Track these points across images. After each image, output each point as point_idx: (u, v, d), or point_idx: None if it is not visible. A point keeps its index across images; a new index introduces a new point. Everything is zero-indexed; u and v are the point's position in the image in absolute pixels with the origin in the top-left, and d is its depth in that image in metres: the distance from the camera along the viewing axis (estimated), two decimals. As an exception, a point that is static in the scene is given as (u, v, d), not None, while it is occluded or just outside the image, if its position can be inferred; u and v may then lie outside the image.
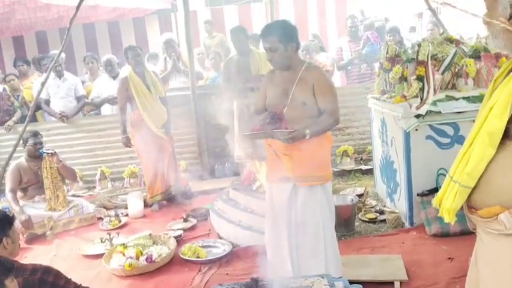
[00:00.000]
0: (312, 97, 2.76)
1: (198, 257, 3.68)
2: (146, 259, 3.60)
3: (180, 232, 4.23)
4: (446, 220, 1.92)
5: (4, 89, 6.42)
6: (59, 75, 6.15)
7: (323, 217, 2.84)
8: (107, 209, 5.15)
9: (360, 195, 4.55)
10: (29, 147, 4.64)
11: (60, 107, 6.15)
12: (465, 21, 6.33)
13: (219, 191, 4.92)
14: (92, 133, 6.21)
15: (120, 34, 9.26)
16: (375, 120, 4.69)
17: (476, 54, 4.01)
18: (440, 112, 3.70)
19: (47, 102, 6.20)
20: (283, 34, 2.74)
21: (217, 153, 6.00)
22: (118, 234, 4.23)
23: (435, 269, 3.22)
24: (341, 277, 2.86)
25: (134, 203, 4.97)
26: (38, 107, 6.24)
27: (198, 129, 5.99)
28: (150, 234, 4.01)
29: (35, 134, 4.69)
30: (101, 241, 4.14)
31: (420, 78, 3.70)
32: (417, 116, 3.68)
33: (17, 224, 3.38)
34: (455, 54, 3.90)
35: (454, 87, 3.95)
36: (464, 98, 3.78)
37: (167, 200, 5.21)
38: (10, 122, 6.11)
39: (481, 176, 1.76)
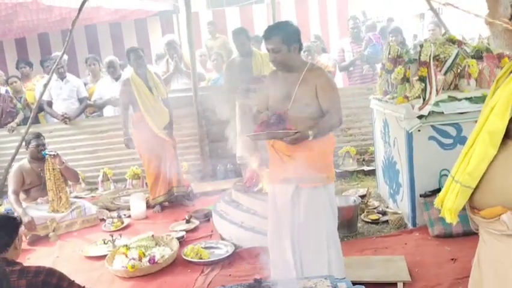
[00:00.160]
0: (315, 98, 2.76)
1: (201, 258, 3.68)
2: (149, 260, 3.61)
3: (183, 233, 4.24)
4: (448, 220, 1.92)
5: (7, 91, 6.45)
6: (62, 77, 6.17)
7: (326, 218, 2.83)
8: (109, 210, 5.16)
9: (362, 196, 4.55)
10: (32, 149, 4.65)
11: (63, 108, 6.17)
12: (466, 21, 6.33)
13: (221, 192, 4.93)
14: (94, 135, 6.23)
15: (122, 36, 9.27)
16: (377, 121, 4.69)
17: (478, 55, 4.00)
18: (442, 113, 3.70)
19: (50, 104, 6.23)
20: (286, 35, 2.74)
21: (219, 154, 6.01)
22: (121, 236, 4.23)
23: (438, 269, 3.22)
24: (344, 278, 2.86)
25: (137, 205, 4.97)
26: (40, 109, 6.27)
27: (200, 130, 5.99)
28: (153, 236, 4.02)
29: (38, 136, 4.70)
30: (104, 242, 4.15)
31: (422, 79, 3.69)
32: (420, 117, 3.67)
33: (20, 225, 3.39)
34: (457, 54, 3.90)
35: (456, 87, 3.94)
36: (466, 98, 3.78)
37: (170, 202, 5.21)
38: (13, 124, 6.13)
39: (483, 176, 1.76)
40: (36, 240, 4.48)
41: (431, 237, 3.69)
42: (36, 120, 6.30)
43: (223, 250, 3.84)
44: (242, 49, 4.91)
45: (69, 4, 6.72)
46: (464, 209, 1.98)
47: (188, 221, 4.54)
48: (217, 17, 8.99)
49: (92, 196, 5.85)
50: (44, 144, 4.70)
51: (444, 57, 3.88)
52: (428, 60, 3.70)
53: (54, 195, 4.66)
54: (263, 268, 3.33)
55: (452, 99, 3.77)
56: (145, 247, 3.78)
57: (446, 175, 3.57)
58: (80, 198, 5.52)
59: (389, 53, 4.17)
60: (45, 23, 7.91)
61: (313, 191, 2.79)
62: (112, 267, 3.64)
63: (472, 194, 1.82)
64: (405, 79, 3.90)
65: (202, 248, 3.82)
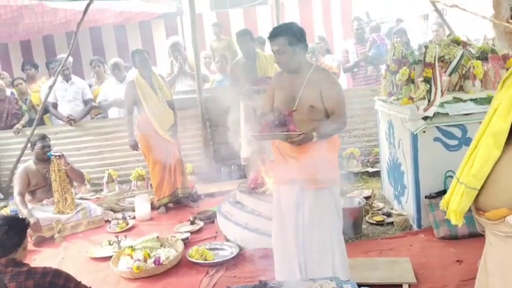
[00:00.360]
0: (320, 100, 2.76)
1: (205, 260, 3.69)
2: (154, 261, 3.62)
3: (187, 235, 4.25)
4: (453, 222, 1.92)
5: (12, 93, 6.48)
6: (67, 78, 6.20)
7: (330, 220, 2.83)
8: (114, 211, 5.18)
9: (367, 198, 4.54)
10: (37, 150, 4.67)
11: (68, 110, 6.20)
12: (471, 22, 6.32)
13: (225, 193, 4.93)
14: (99, 136, 6.25)
15: (126, 38, 9.29)
16: (382, 122, 4.68)
17: (483, 56, 3.99)
18: (447, 114, 3.69)
19: (55, 105, 6.26)
20: (291, 36, 2.74)
21: (223, 155, 6.02)
22: (126, 237, 4.25)
23: (444, 271, 3.21)
24: (348, 280, 2.86)
25: (142, 206, 4.99)
26: (45, 111, 6.30)
27: (204, 132, 6.01)
28: (157, 237, 4.03)
29: (43, 138, 4.72)
30: (109, 244, 4.16)
31: (427, 80, 3.69)
32: (425, 118, 3.67)
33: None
34: (462, 56, 3.89)
35: (461, 89, 3.94)
36: (471, 99, 3.77)
37: (174, 203, 5.22)
38: (18, 126, 6.16)
39: (488, 178, 1.76)
40: (41, 242, 4.50)
41: (437, 239, 3.68)
42: (41, 122, 6.34)
43: (228, 251, 3.84)
44: (246, 51, 4.92)
45: (74, 6, 6.76)
46: (469, 210, 1.98)
47: (192, 223, 4.55)
48: (221, 19, 9.00)
49: (97, 197, 5.87)
50: (49, 146, 4.72)
51: (449, 59, 3.87)
52: (433, 62, 3.70)
53: (60, 196, 4.68)
54: (268, 269, 3.33)
55: (457, 100, 3.76)
56: (150, 248, 3.79)
57: (451, 176, 3.56)
58: (85, 199, 5.54)
59: (394, 54, 4.17)
60: (50, 25, 7.96)
61: (318, 192, 2.79)
62: (117, 269, 3.65)
63: (477, 195, 1.81)
64: (410, 80, 3.89)
65: (206, 249, 3.83)
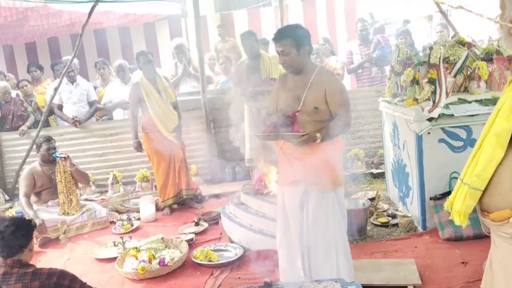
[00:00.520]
0: (324, 101, 2.76)
1: (210, 261, 3.69)
2: (159, 263, 3.62)
3: (192, 236, 4.25)
4: (457, 222, 1.92)
5: (17, 95, 6.52)
6: (72, 80, 6.23)
7: (335, 222, 2.83)
8: (119, 212, 5.19)
9: (371, 199, 4.54)
10: (43, 152, 4.69)
11: (73, 112, 6.23)
12: (475, 23, 6.31)
13: (229, 194, 4.93)
14: (104, 138, 6.27)
15: (131, 40, 9.33)
16: (386, 123, 4.68)
17: (488, 57, 3.99)
18: (452, 115, 3.68)
19: (60, 107, 6.29)
20: (295, 38, 2.75)
21: (227, 157, 6.02)
22: (131, 238, 4.26)
23: (449, 273, 3.20)
24: (353, 282, 2.85)
25: (146, 207, 5.00)
26: (51, 112, 6.33)
27: (209, 133, 6.02)
28: (162, 238, 4.04)
29: (49, 139, 4.74)
30: (114, 245, 4.17)
31: (432, 81, 3.68)
32: (430, 119, 3.66)
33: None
34: (467, 57, 3.88)
35: (466, 90, 3.93)
36: (476, 100, 3.76)
37: (179, 204, 5.23)
38: (24, 127, 6.19)
39: (492, 179, 1.75)
40: (47, 243, 4.52)
41: (442, 240, 3.67)
42: (46, 124, 6.36)
43: (232, 253, 3.84)
44: (251, 52, 4.93)
45: (78, 9, 6.79)
46: (475, 211, 1.97)
47: (197, 224, 4.56)
48: (225, 20, 9.02)
49: (102, 199, 5.89)
50: (54, 148, 4.74)
51: (454, 60, 3.87)
52: (437, 63, 3.69)
53: (65, 197, 4.70)
54: (272, 271, 3.33)
55: (462, 101, 3.75)
56: (154, 249, 3.80)
57: (457, 178, 3.52)
58: (90, 200, 5.56)
59: (398, 56, 4.17)
60: (55, 27, 8.01)
61: (322, 194, 2.79)
62: (122, 270, 3.66)
63: (482, 196, 1.81)
64: (415, 81, 3.89)
65: (211, 250, 3.83)
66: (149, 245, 3.87)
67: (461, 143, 3.78)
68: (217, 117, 5.91)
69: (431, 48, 3.82)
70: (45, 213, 4.62)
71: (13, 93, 6.40)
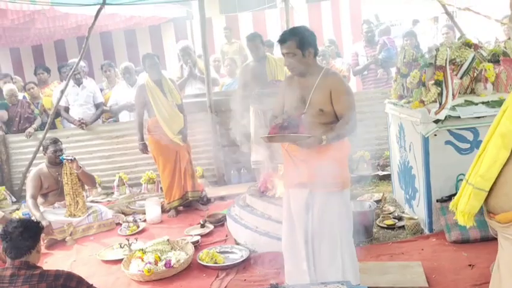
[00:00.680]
0: (330, 103, 2.76)
1: (216, 263, 3.69)
2: (165, 264, 3.63)
3: (197, 238, 4.26)
4: (460, 222, 1.92)
5: (24, 97, 6.56)
6: (78, 83, 6.27)
7: (341, 224, 2.82)
8: (125, 214, 5.20)
9: (377, 201, 4.52)
10: (50, 154, 4.71)
11: (80, 114, 6.26)
12: (482, 25, 6.28)
13: (235, 196, 4.93)
14: (110, 140, 6.30)
15: (136, 42, 9.39)
16: (392, 125, 4.66)
17: (495, 59, 3.96)
18: (459, 117, 3.67)
19: (67, 109, 6.32)
20: (301, 40, 2.74)
21: (233, 159, 6.03)
22: (137, 240, 4.27)
23: (456, 276, 3.18)
24: (359, 284, 2.85)
25: (152, 209, 5.01)
26: (57, 114, 6.36)
27: (214, 135, 6.02)
28: (168, 240, 4.04)
29: (55, 141, 4.76)
30: (120, 246, 4.18)
31: (438, 83, 3.66)
32: (436, 121, 3.64)
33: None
34: (473, 58, 3.86)
35: (472, 91, 3.91)
36: (483, 102, 3.74)
37: (184, 206, 5.24)
38: (30, 129, 6.23)
39: (497, 180, 1.75)
40: (53, 244, 4.54)
41: (448, 243, 3.65)
42: (53, 126, 6.40)
43: (238, 255, 3.84)
44: (256, 54, 4.94)
45: (85, 11, 6.84)
46: (481, 213, 1.97)
47: (203, 226, 4.56)
48: (230, 23, 9.05)
49: (108, 200, 5.90)
50: (61, 150, 4.77)
51: (461, 61, 3.85)
52: (444, 64, 3.68)
53: (72, 199, 4.72)
54: (278, 273, 3.34)
55: (469, 103, 3.73)
56: (160, 251, 3.81)
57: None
58: (97, 202, 5.58)
59: (404, 57, 4.16)
60: (61, 30, 8.07)
61: (328, 196, 2.78)
62: (129, 271, 3.67)
63: (487, 198, 1.81)
64: (421, 83, 3.87)
65: (217, 252, 3.83)
66: (155, 247, 3.88)
67: (467, 145, 3.76)
68: (223, 119, 5.92)
69: (437, 50, 3.80)
70: (52, 215, 4.64)
71: (20, 96, 6.44)
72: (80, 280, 2.50)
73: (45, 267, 2.60)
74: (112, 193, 6.13)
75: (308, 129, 2.69)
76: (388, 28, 7.24)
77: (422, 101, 3.79)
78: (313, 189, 2.78)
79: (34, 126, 6.30)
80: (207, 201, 5.42)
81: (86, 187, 5.30)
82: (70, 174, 4.72)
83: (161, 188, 5.52)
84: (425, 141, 3.73)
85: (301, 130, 2.68)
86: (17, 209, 5.60)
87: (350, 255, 2.87)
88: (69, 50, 9.24)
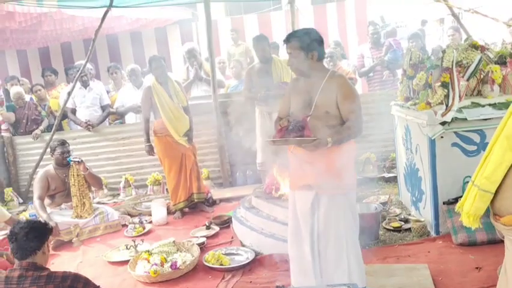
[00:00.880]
0: (335, 106, 2.75)
1: (221, 265, 3.70)
2: (171, 266, 3.64)
3: (203, 239, 4.26)
4: (465, 224, 1.91)
5: (31, 99, 6.61)
6: (85, 85, 6.30)
7: (346, 226, 2.81)
8: (131, 216, 5.22)
9: (383, 203, 4.51)
10: (57, 155, 4.74)
11: (86, 116, 6.30)
12: (488, 26, 6.25)
13: (240, 198, 4.94)
14: (116, 141, 6.34)
15: (142, 44, 9.42)
16: (398, 127, 4.65)
17: (502, 60, 3.94)
18: (465, 119, 3.65)
19: (73, 111, 6.36)
20: (304, 41, 2.74)
21: (239, 161, 6.03)
22: (143, 241, 4.28)
23: (463, 278, 3.16)
24: (365, 287, 2.84)
25: (158, 210, 5.03)
26: (64, 116, 6.41)
27: (220, 137, 6.04)
28: (174, 241, 4.05)
29: (63, 143, 4.79)
30: (126, 248, 4.20)
31: (445, 85, 3.65)
32: (443, 123, 3.63)
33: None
34: (480, 60, 3.84)
35: (479, 93, 3.89)
36: (490, 104, 3.72)
37: (190, 208, 5.25)
38: (37, 131, 6.27)
39: (502, 183, 1.75)
40: (60, 245, 4.56)
41: (455, 245, 3.63)
42: (60, 127, 6.45)
43: (244, 257, 3.84)
44: (263, 55, 4.95)
45: (91, 14, 6.88)
46: (488, 216, 1.96)
47: (208, 227, 4.57)
48: (236, 25, 9.06)
49: (114, 202, 5.93)
50: (69, 151, 4.79)
51: (467, 63, 3.83)
52: (450, 66, 3.66)
53: (78, 201, 4.75)
54: (284, 275, 3.34)
55: (476, 105, 3.71)
56: (166, 253, 3.82)
57: (470, 182, 3.52)
58: (103, 204, 5.61)
59: (411, 59, 4.15)
60: (68, 32, 8.12)
61: (334, 198, 2.78)
62: (135, 273, 3.68)
63: (493, 200, 1.81)
64: (428, 85, 3.86)
65: (222, 254, 3.83)
66: (161, 248, 3.89)
67: (474, 147, 3.75)
68: (228, 121, 5.93)
69: (443, 52, 3.79)
70: (59, 216, 4.67)
71: (27, 98, 6.49)
72: (87, 281, 2.51)
73: (52, 268, 2.61)
74: (118, 194, 6.16)
75: (313, 132, 2.69)
76: (394, 30, 7.23)
77: (429, 103, 3.78)
78: (319, 191, 2.78)
79: (41, 128, 6.34)
80: (212, 203, 5.43)
81: (93, 188, 5.32)
82: (77, 175, 4.74)
83: (167, 189, 5.54)
84: (432, 143, 3.72)
85: (306, 133, 2.68)
86: (24, 210, 5.64)
87: (356, 258, 2.86)
88: (75, 52, 9.29)
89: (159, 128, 5.02)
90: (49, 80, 7.17)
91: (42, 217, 4.46)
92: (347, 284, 2.45)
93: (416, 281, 3.14)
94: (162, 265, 3.64)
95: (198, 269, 3.76)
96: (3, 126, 6.40)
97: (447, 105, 3.65)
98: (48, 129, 6.36)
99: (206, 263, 3.74)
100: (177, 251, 3.92)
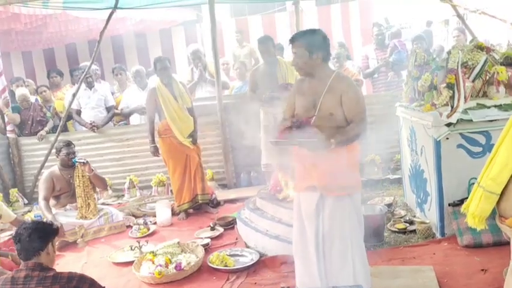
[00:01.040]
0: (340, 107, 2.75)
1: (226, 266, 3.69)
2: (176, 267, 3.64)
3: (208, 241, 4.26)
4: (471, 225, 1.91)
5: (36, 100, 6.63)
6: (90, 86, 6.32)
7: (351, 228, 2.81)
8: (136, 217, 5.23)
9: (388, 205, 4.49)
10: (63, 156, 4.75)
11: (91, 117, 6.32)
12: (494, 27, 6.23)
13: (245, 199, 4.94)
14: (121, 142, 6.35)
15: (147, 45, 9.45)
16: (403, 128, 4.64)
17: (507, 62, 3.92)
18: (471, 120, 3.63)
19: (78, 112, 6.38)
20: (309, 42, 2.74)
21: (243, 162, 6.04)
22: (147, 242, 4.28)
23: (468, 280, 3.15)
24: (370, 288, 2.83)
25: (163, 211, 5.03)
26: (69, 117, 6.43)
27: (224, 138, 6.04)
28: (178, 243, 4.05)
29: (68, 144, 4.80)
30: (131, 249, 4.21)
31: (450, 86, 3.64)
32: (448, 125, 3.62)
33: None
34: (485, 61, 3.83)
35: (485, 95, 3.87)
36: (495, 106, 3.70)
37: (194, 209, 5.25)
38: (43, 132, 6.30)
39: (508, 184, 1.74)
40: (64, 246, 4.58)
41: (460, 247, 3.61)
42: (65, 128, 6.47)
43: (248, 258, 3.84)
44: (268, 57, 4.95)
45: (96, 15, 6.91)
46: (494, 217, 1.95)
47: (213, 228, 4.57)
48: (240, 26, 9.07)
49: (119, 203, 5.94)
50: (74, 153, 4.81)
51: (473, 64, 3.82)
52: (456, 67, 3.66)
53: (83, 202, 4.76)
54: (289, 276, 3.33)
55: (481, 106, 3.70)
56: (171, 254, 3.82)
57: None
58: (107, 205, 5.63)
59: (416, 60, 4.14)
60: (73, 33, 8.16)
61: (339, 199, 2.77)
62: (139, 274, 3.69)
63: (499, 201, 1.80)
64: (433, 86, 3.85)
65: (227, 255, 3.83)
66: (165, 249, 3.89)
67: (480, 149, 3.73)
68: (233, 122, 5.93)
69: (449, 53, 3.78)
70: (64, 217, 4.69)
71: (32, 99, 6.51)
72: (92, 282, 2.52)
73: (57, 269, 2.61)
74: (123, 195, 6.17)
75: (317, 133, 2.68)
76: (399, 31, 7.21)
77: (434, 104, 3.77)
78: (324, 193, 2.78)
79: (46, 129, 6.37)
80: (216, 204, 5.43)
81: (98, 189, 5.34)
82: (82, 176, 4.76)
83: (171, 190, 5.55)
84: (437, 144, 3.70)
85: (309, 134, 2.67)
86: (29, 211, 5.66)
87: (361, 259, 2.85)
88: (80, 53, 9.33)
89: (164, 129, 5.03)
90: (55, 81, 7.20)
91: (48, 218, 4.47)
92: (352, 286, 2.44)
93: (421, 283, 3.13)
94: (167, 266, 3.65)
95: (203, 270, 3.76)
96: (9, 128, 6.42)
97: (452, 107, 3.64)
98: (53, 130, 6.39)
99: (210, 264, 3.74)
100: (182, 252, 3.92)
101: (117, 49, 9.30)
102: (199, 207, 5.26)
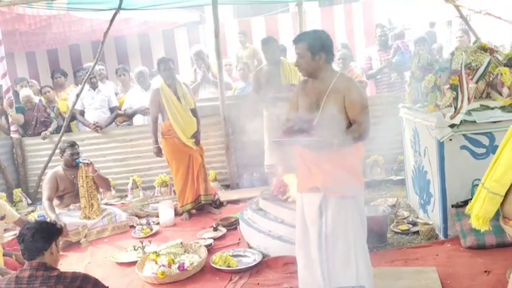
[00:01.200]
0: (343, 108, 2.75)
1: (229, 266, 3.70)
2: (179, 267, 3.65)
3: (210, 241, 4.27)
4: (475, 226, 1.91)
5: (40, 100, 6.66)
6: (94, 86, 6.35)
7: (354, 229, 2.80)
8: (139, 217, 5.24)
9: (391, 206, 4.49)
10: (67, 157, 4.77)
11: (95, 117, 6.34)
12: (498, 28, 6.22)
13: (247, 200, 4.95)
14: (124, 143, 6.37)
15: (150, 46, 9.47)
16: (407, 129, 4.64)
17: (511, 63, 3.92)
18: (474, 122, 3.63)
19: (82, 113, 6.41)
20: (312, 43, 2.74)
21: (246, 162, 6.04)
22: (150, 242, 4.30)
23: (472, 281, 3.14)
24: (374, 290, 2.83)
25: (165, 212, 5.04)
26: (73, 118, 6.46)
27: (227, 139, 6.04)
28: (181, 243, 4.06)
29: (72, 145, 4.82)
30: (134, 249, 4.22)
31: (454, 87, 3.64)
32: (452, 126, 3.61)
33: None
34: (489, 62, 3.83)
35: (488, 96, 3.87)
36: (499, 107, 3.70)
37: (197, 209, 5.26)
38: (46, 132, 6.32)
39: None
40: (68, 246, 4.59)
41: (464, 249, 3.61)
42: (68, 129, 6.49)
43: (251, 258, 3.85)
44: (271, 58, 4.95)
45: (99, 16, 6.93)
46: (497, 219, 1.95)
47: (215, 229, 4.57)
48: (243, 27, 9.08)
49: (122, 203, 5.96)
50: (78, 153, 4.83)
51: (476, 65, 3.82)
52: (459, 69, 3.65)
53: (87, 202, 4.77)
54: (291, 277, 3.33)
55: (485, 107, 3.70)
56: (174, 254, 3.83)
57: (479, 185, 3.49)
58: (111, 205, 5.64)
59: (419, 61, 4.14)
60: (76, 34, 8.19)
61: (342, 200, 2.77)
62: (142, 274, 3.69)
63: (503, 203, 1.80)
64: (436, 87, 3.85)
65: (230, 256, 3.84)
66: (168, 250, 3.90)
67: (483, 150, 3.72)
68: (236, 123, 5.94)
69: (452, 54, 3.78)
70: (67, 217, 4.70)
71: (36, 99, 6.54)
72: (96, 282, 2.52)
73: (60, 269, 2.62)
74: (126, 196, 6.19)
75: (320, 133, 2.68)
76: (402, 32, 7.21)
77: (437, 105, 3.76)
78: (327, 194, 2.78)
79: (50, 129, 6.39)
80: (219, 204, 5.44)
81: (101, 190, 5.35)
82: (86, 177, 4.77)
83: (174, 191, 5.56)
84: (440, 145, 3.70)
85: (312, 134, 2.67)
86: (33, 211, 5.67)
87: (364, 260, 2.84)
88: (84, 54, 9.35)
89: (167, 129, 5.04)
90: (58, 82, 7.22)
91: (51, 218, 4.49)
92: (355, 287, 2.44)
93: (424, 284, 3.13)
94: (170, 266, 3.65)
95: (205, 270, 3.77)
96: (13, 128, 6.45)
97: (456, 108, 3.64)
98: (57, 130, 6.41)
99: (213, 265, 3.74)
100: (184, 252, 3.93)
101: (120, 50, 9.32)
102: (202, 208, 5.27)
